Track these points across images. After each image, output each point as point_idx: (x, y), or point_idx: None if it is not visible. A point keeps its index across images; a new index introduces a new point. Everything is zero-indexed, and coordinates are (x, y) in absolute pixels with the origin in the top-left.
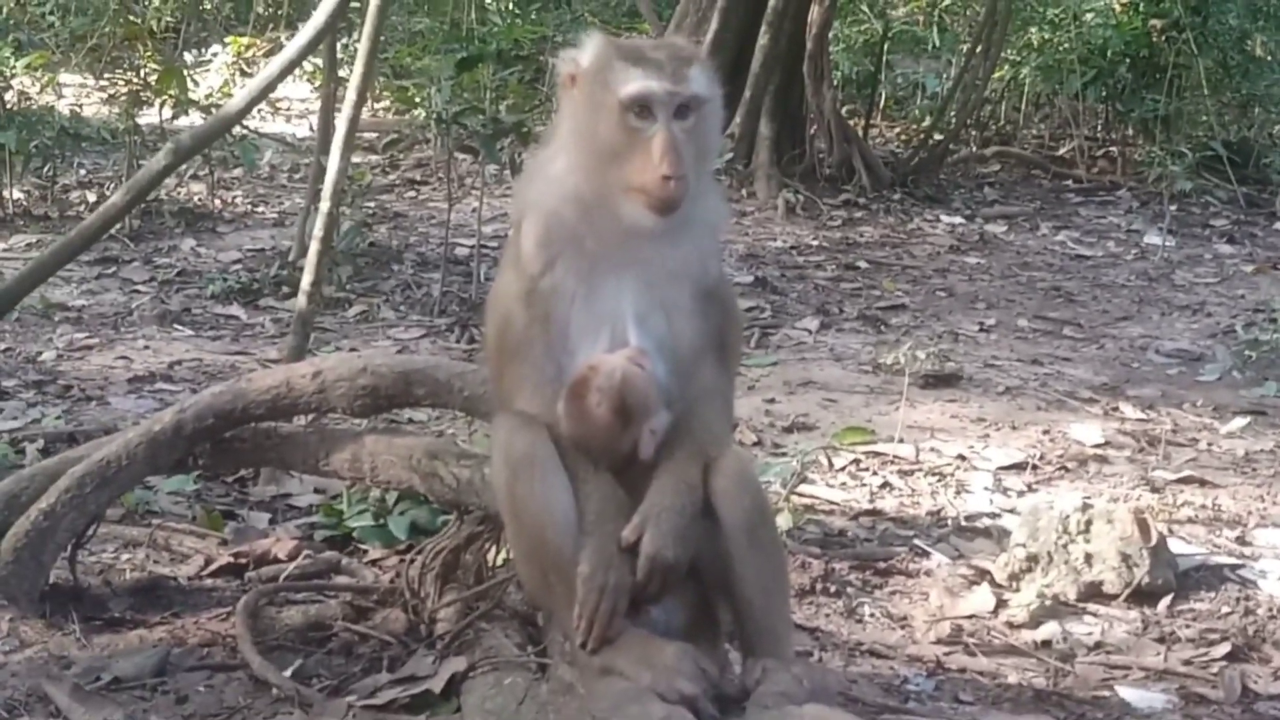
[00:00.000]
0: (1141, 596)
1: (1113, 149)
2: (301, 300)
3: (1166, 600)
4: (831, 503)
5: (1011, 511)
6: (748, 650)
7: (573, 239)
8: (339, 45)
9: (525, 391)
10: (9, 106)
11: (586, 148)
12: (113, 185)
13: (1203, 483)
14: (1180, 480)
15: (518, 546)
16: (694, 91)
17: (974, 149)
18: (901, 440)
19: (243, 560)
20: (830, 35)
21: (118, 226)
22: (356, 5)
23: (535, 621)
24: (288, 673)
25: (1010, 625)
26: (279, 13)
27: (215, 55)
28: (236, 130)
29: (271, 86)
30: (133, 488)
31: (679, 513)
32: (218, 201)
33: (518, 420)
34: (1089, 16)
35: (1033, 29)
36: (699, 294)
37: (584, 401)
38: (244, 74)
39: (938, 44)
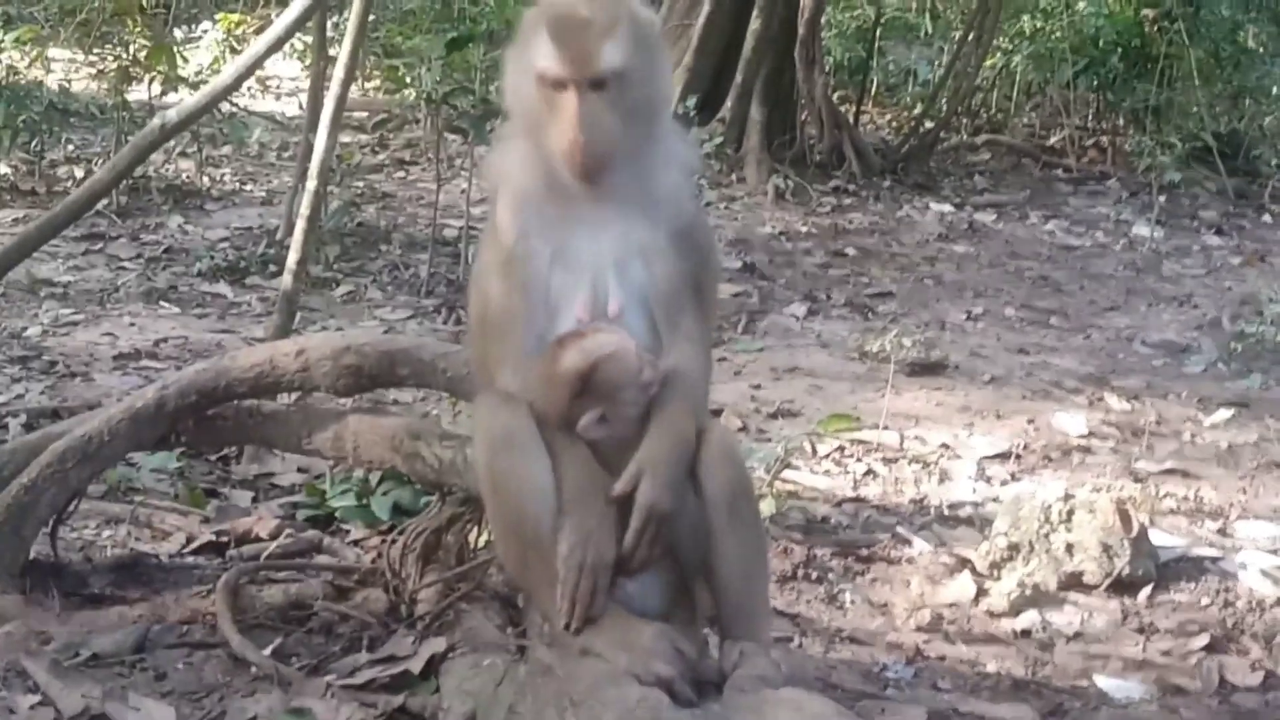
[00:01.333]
0: (1122, 587)
1: (1103, 139)
2: (287, 279)
3: (1146, 591)
4: (815, 489)
5: (994, 500)
6: (725, 632)
7: (540, 202)
8: (329, 23)
9: (506, 368)
10: None
11: (521, 115)
12: (101, 161)
13: (1185, 474)
14: (1163, 471)
15: (497, 525)
16: (604, 69)
17: (964, 137)
18: (886, 428)
19: (224, 538)
20: (822, 20)
21: (105, 203)
22: None
23: (515, 603)
24: (267, 651)
25: (990, 614)
26: None
27: (205, 32)
28: (225, 107)
29: (259, 63)
30: (115, 464)
31: (674, 464)
32: (206, 179)
33: (498, 398)
34: (1081, 6)
35: (1025, 17)
36: (675, 234)
37: (555, 379)
38: (234, 51)
39: (930, 31)
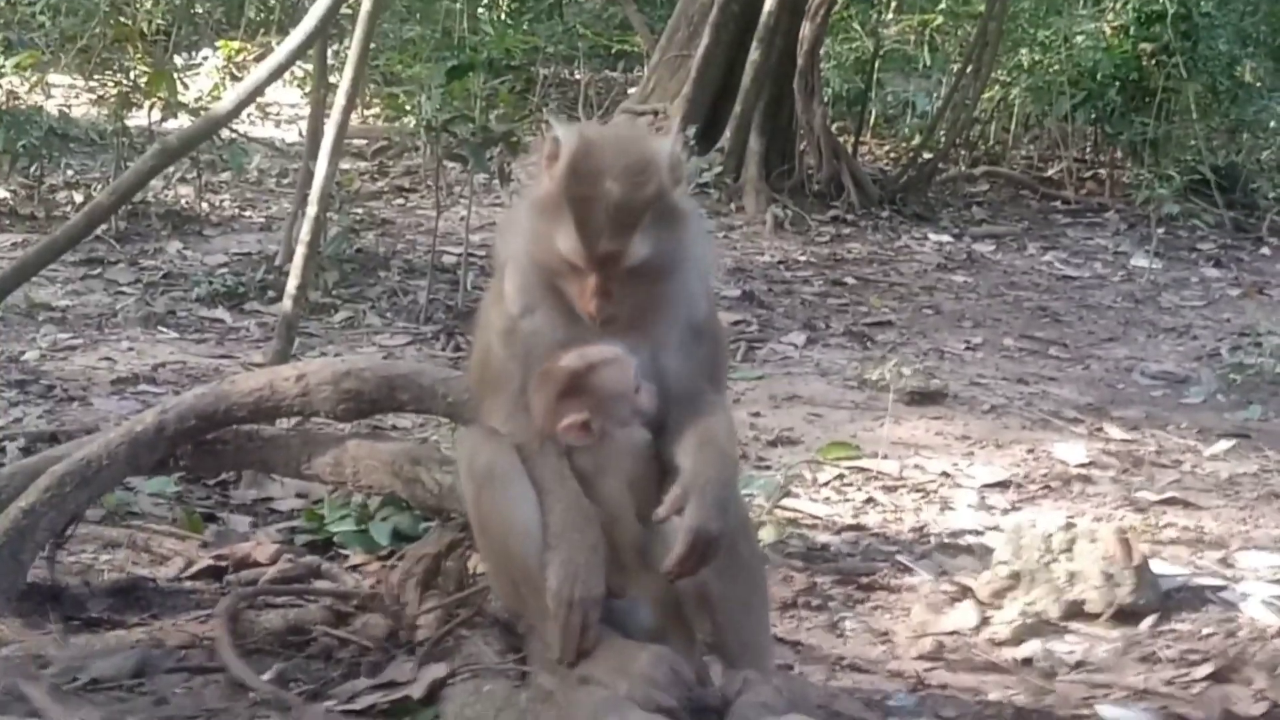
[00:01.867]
0: (1124, 616)
1: (1101, 171)
2: (286, 304)
3: (1149, 620)
4: (815, 517)
5: (995, 529)
6: (727, 661)
7: (550, 289)
8: (330, 51)
9: (498, 418)
10: None
11: (537, 239)
12: (100, 186)
13: (1186, 504)
14: (1164, 501)
15: (487, 559)
16: (628, 264)
17: (963, 168)
18: (886, 456)
19: (223, 563)
20: (821, 52)
21: (104, 227)
22: (348, 11)
23: (516, 629)
24: (266, 676)
25: (992, 642)
26: (270, 18)
27: (206, 59)
28: (225, 134)
29: (260, 90)
30: (113, 488)
31: (723, 485)
32: (205, 204)
33: (481, 434)
34: (1079, 39)
35: (1023, 50)
36: (688, 331)
37: (548, 375)
38: (234, 78)
39: (928, 63)
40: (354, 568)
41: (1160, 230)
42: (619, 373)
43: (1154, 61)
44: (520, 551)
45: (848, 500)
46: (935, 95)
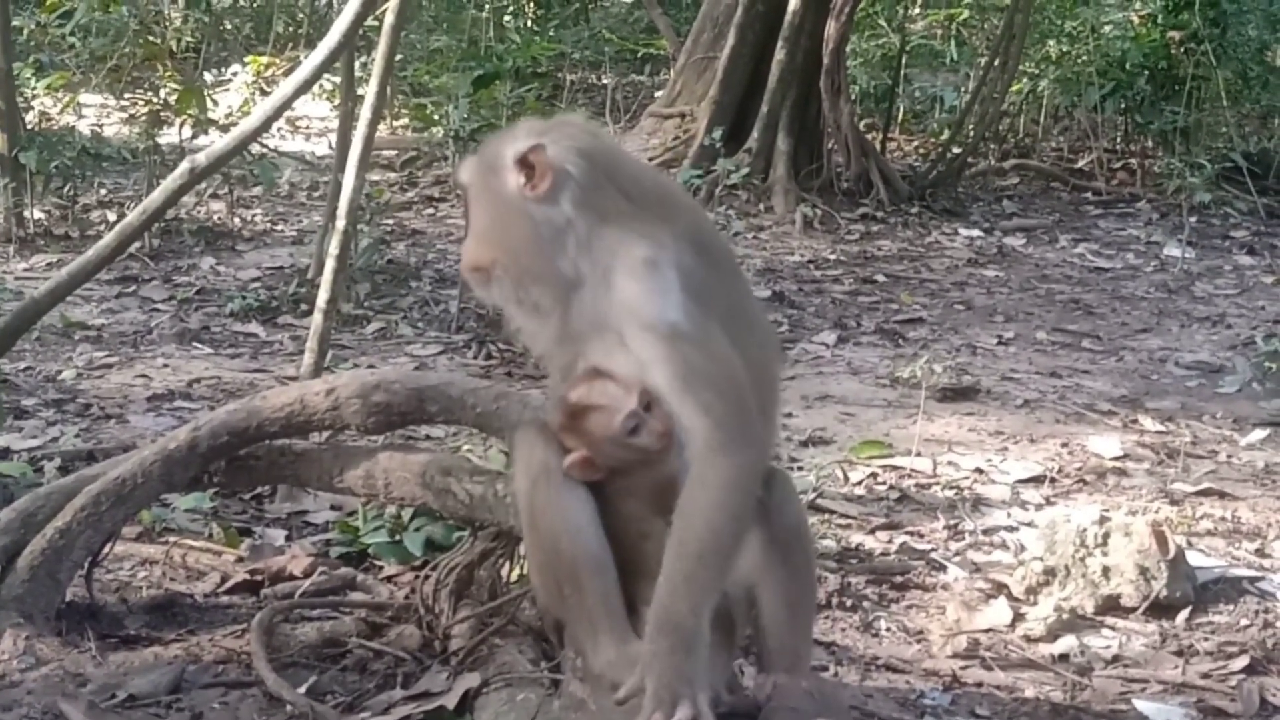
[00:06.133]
0: (1159, 609)
1: (1132, 161)
2: (318, 318)
3: (1185, 613)
4: (848, 516)
5: (1029, 525)
6: (763, 665)
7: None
8: (357, 63)
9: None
10: (30, 127)
11: None
12: (133, 205)
13: (1222, 495)
14: (1199, 493)
15: (534, 557)
16: (466, 265)
17: (992, 162)
18: (919, 454)
19: (258, 577)
20: (847, 49)
21: (137, 245)
22: (374, 23)
23: (548, 637)
24: (302, 689)
25: (1027, 639)
26: (298, 32)
27: (235, 75)
28: (255, 149)
29: (287, 104)
30: (148, 505)
31: (688, 612)
32: (237, 220)
33: (537, 430)
34: (1107, 29)
35: (1051, 41)
36: (643, 340)
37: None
38: (263, 93)
39: (955, 57)
40: (388, 579)
41: (1192, 219)
42: (605, 419)
43: (1183, 49)
44: (569, 551)
45: (881, 499)
46: (963, 89)
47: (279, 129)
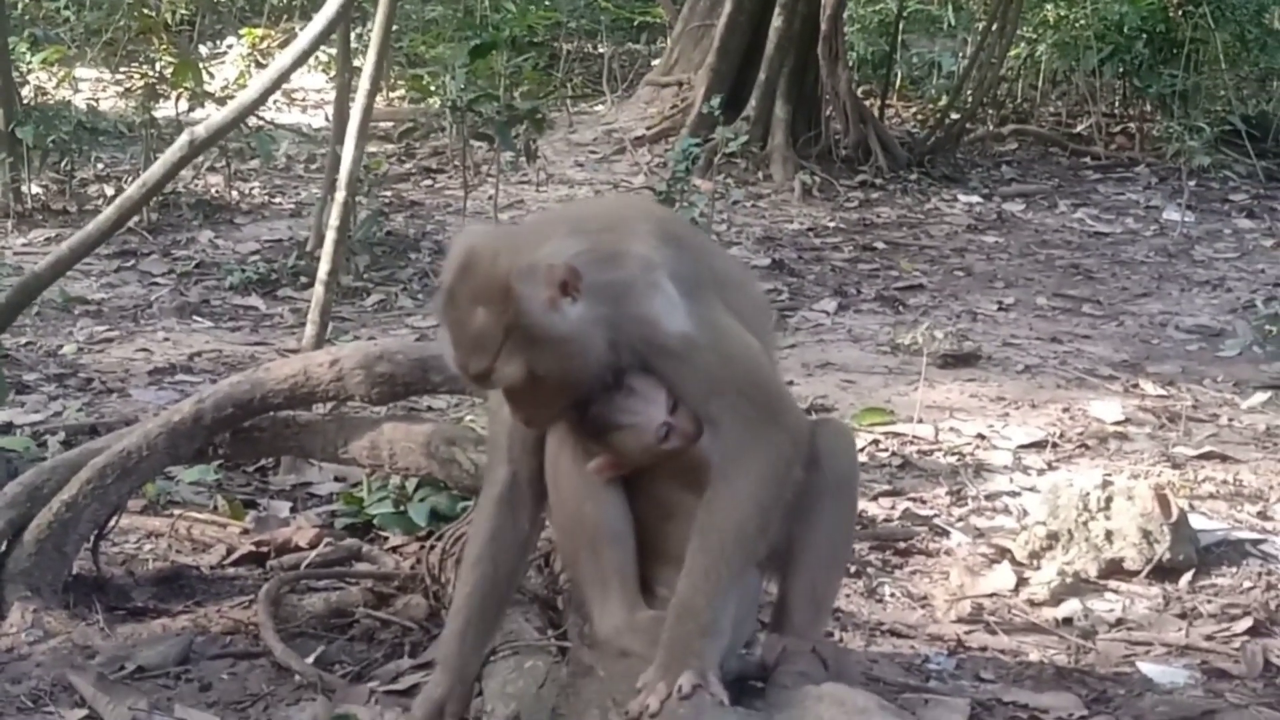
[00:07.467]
0: (1163, 572)
1: (1130, 125)
2: (319, 290)
3: (1188, 576)
4: None
5: (1031, 490)
6: (776, 624)
7: None
8: (353, 34)
9: None
10: (26, 101)
11: None
12: (130, 179)
13: (1224, 458)
14: (1201, 456)
15: (556, 518)
16: (503, 384)
17: (991, 127)
18: (920, 420)
19: (264, 549)
20: (844, 16)
21: (136, 219)
22: None
23: (555, 605)
24: (310, 659)
25: (1031, 603)
26: (293, 3)
27: (230, 47)
28: (253, 121)
29: (284, 77)
30: (153, 478)
31: (706, 608)
32: (235, 193)
33: None
34: None
35: (1048, 6)
36: (661, 357)
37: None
38: (259, 65)
39: (953, 23)
40: (394, 549)
41: (1192, 183)
42: (636, 436)
43: (1181, 12)
44: (592, 517)
45: (883, 466)
46: (961, 55)
47: (275, 101)
